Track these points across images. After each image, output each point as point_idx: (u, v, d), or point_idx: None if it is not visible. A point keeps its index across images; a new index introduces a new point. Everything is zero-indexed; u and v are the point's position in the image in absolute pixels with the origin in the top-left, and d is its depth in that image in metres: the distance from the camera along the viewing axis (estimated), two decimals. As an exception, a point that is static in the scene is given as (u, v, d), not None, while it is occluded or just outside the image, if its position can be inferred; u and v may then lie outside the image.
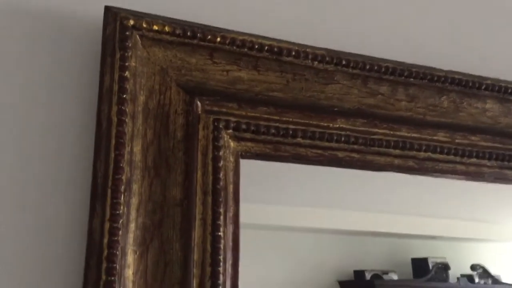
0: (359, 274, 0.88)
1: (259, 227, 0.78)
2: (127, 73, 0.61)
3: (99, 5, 0.65)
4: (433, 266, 0.91)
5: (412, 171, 0.77)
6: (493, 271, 0.93)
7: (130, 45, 0.62)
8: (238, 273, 0.61)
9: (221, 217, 0.61)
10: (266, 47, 0.69)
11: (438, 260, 0.91)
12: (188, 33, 0.65)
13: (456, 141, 0.80)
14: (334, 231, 0.86)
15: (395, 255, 0.90)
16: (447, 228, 0.93)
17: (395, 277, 0.91)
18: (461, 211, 0.94)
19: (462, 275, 0.94)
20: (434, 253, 0.91)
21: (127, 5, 0.65)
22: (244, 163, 0.67)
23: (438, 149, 0.78)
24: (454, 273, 0.93)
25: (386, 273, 0.89)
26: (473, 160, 0.81)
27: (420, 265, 0.91)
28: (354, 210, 0.87)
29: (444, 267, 0.92)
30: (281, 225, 0.82)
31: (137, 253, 0.57)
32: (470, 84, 0.82)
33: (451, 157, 0.79)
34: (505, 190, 0.89)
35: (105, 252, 0.55)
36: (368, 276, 0.89)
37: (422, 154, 0.77)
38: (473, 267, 0.93)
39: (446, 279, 0.95)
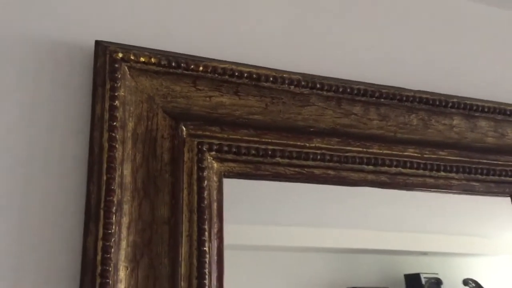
0: None
1: (251, 248, 0.81)
2: (117, 102, 0.66)
3: (90, 38, 0.70)
4: (425, 282, 0.90)
5: (385, 186, 0.82)
6: (485, 285, 0.93)
7: (119, 76, 0.67)
8: (223, 285, 0.66)
9: (206, 233, 0.66)
10: (246, 74, 0.75)
11: (431, 276, 0.91)
12: (173, 63, 0.71)
13: (425, 156, 0.86)
14: (326, 249, 0.88)
15: (388, 272, 0.90)
16: (439, 244, 0.95)
17: None
18: (452, 226, 0.96)
19: None
20: (426, 269, 0.91)
21: (115, 38, 0.70)
22: (236, 184, 0.71)
23: (408, 164, 0.84)
24: None
25: None
26: (442, 173, 0.86)
27: (412, 281, 0.91)
28: (345, 227, 0.89)
29: (436, 283, 0.92)
30: (274, 245, 0.84)
31: (129, 268, 0.62)
32: (438, 103, 0.88)
33: (421, 172, 0.85)
34: (495, 204, 0.93)
35: (99, 269, 0.59)
36: None
37: (393, 170, 0.83)
38: (465, 282, 0.93)
39: (439, 294, 0.97)
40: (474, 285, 0.93)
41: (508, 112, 0.93)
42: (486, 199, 0.92)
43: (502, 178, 0.91)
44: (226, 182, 0.72)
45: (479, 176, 0.89)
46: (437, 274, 0.92)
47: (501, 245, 0.96)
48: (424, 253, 0.94)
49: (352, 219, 0.90)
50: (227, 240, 0.69)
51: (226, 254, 0.68)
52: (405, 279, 0.91)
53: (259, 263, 0.82)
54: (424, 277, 0.91)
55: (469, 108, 0.90)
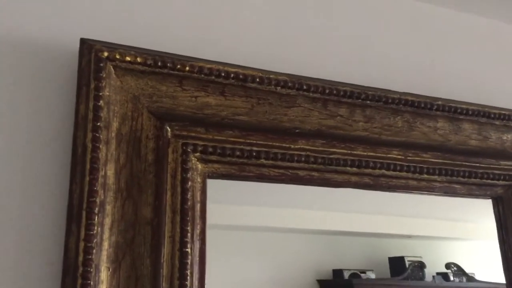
0: (337, 273, 0.90)
1: (238, 228, 0.81)
2: (101, 102, 0.66)
3: (75, 36, 0.70)
4: (409, 265, 0.93)
5: (368, 187, 0.83)
6: (467, 269, 0.97)
7: (104, 75, 0.67)
8: (204, 286, 0.67)
9: (189, 235, 0.67)
10: (232, 74, 0.75)
11: (414, 259, 0.94)
12: (159, 63, 0.70)
13: (409, 158, 0.86)
14: (313, 231, 0.89)
15: (373, 255, 0.92)
16: (423, 228, 0.96)
17: (372, 276, 0.95)
18: (436, 210, 0.96)
19: (438, 273, 0.97)
20: (410, 252, 0.94)
21: (101, 36, 0.70)
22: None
23: (392, 166, 0.85)
24: (429, 272, 0.96)
25: (364, 272, 0.92)
26: (424, 176, 0.87)
27: (397, 264, 0.94)
28: (332, 210, 0.90)
29: (420, 266, 0.94)
30: (261, 226, 0.85)
31: (110, 269, 0.62)
32: (423, 105, 0.89)
33: (404, 174, 0.86)
34: (488, 199, 0.93)
35: (80, 270, 0.59)
36: (346, 275, 0.92)
37: (377, 172, 0.83)
38: (448, 266, 0.96)
39: (422, 277, 0.97)
40: (456, 268, 0.95)
41: (492, 115, 0.94)
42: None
43: (484, 180, 0.92)
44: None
45: (461, 179, 0.90)
46: (420, 257, 0.94)
47: (483, 230, 0.97)
48: (408, 237, 0.97)
49: (338, 202, 0.91)
50: (212, 219, 0.69)
51: (211, 234, 0.68)
52: (389, 262, 0.93)
53: (245, 243, 0.83)
54: (408, 260, 0.93)
55: (453, 111, 0.91)
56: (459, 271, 0.97)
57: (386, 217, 0.95)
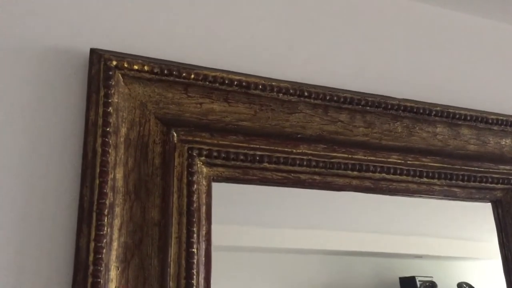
0: None
1: (247, 249, 0.82)
2: (110, 109, 0.68)
3: (85, 46, 0.73)
4: (420, 285, 0.92)
5: (368, 191, 0.85)
6: None
7: (113, 83, 0.70)
8: (210, 285, 0.69)
9: (195, 235, 0.69)
10: (236, 82, 0.77)
11: (425, 279, 0.93)
12: (165, 71, 0.73)
13: (409, 162, 0.89)
14: (322, 251, 0.89)
15: (383, 275, 0.92)
16: (434, 247, 0.96)
17: None
18: (447, 229, 0.98)
19: None
20: (421, 272, 0.93)
21: (109, 46, 0.73)
22: (230, 185, 0.74)
23: (392, 170, 0.87)
24: None
25: None
26: (424, 179, 0.89)
27: (408, 284, 0.92)
28: (341, 230, 0.90)
29: (431, 286, 0.93)
30: (268, 247, 0.85)
31: (119, 269, 0.64)
32: (422, 111, 0.91)
33: (404, 177, 0.88)
34: (490, 209, 0.95)
35: (91, 269, 0.62)
36: None
37: (377, 175, 0.85)
38: (460, 286, 0.95)
39: (433, 297, 0.98)
40: None
41: (490, 121, 0.97)
42: (481, 204, 0.94)
43: (483, 184, 0.94)
44: (219, 185, 0.74)
45: (460, 183, 0.92)
46: (432, 277, 0.93)
47: (495, 249, 0.97)
48: (419, 257, 0.96)
49: (348, 222, 0.92)
50: (221, 241, 0.71)
51: (220, 256, 0.70)
52: (400, 282, 0.92)
53: (254, 265, 0.83)
54: (419, 280, 0.92)
55: (452, 117, 0.93)
56: None
57: (396, 236, 0.94)
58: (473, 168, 0.94)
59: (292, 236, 0.88)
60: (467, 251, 1.00)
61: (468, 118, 0.95)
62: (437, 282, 0.94)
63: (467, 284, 0.96)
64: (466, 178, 0.92)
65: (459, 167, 0.93)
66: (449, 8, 1.07)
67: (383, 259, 0.94)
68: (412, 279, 0.93)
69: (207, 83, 0.76)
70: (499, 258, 0.95)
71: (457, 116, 0.94)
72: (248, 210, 0.83)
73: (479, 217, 0.99)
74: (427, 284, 0.94)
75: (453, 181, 0.92)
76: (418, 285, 0.93)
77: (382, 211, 0.92)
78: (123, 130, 0.70)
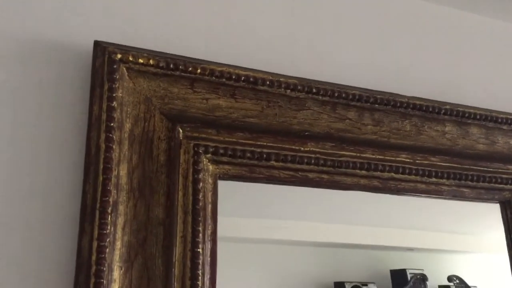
0: (339, 285, 0.89)
1: (240, 240, 0.81)
2: (114, 103, 0.66)
3: (89, 38, 0.71)
4: (411, 278, 0.92)
5: (377, 190, 0.84)
6: (469, 282, 0.96)
7: (117, 77, 0.68)
8: (215, 286, 0.67)
9: (200, 235, 0.67)
10: (243, 77, 0.75)
11: (416, 271, 0.93)
12: (171, 65, 0.71)
13: (417, 161, 0.87)
14: (314, 243, 0.89)
15: (375, 267, 0.92)
16: (425, 240, 0.96)
17: None
18: (438, 223, 0.97)
19: (440, 286, 0.96)
20: (412, 265, 0.93)
21: (114, 39, 0.71)
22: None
23: (401, 170, 0.85)
24: (431, 284, 0.94)
25: (366, 284, 0.91)
26: (433, 179, 0.88)
27: (398, 277, 0.93)
28: (334, 223, 0.90)
29: (422, 278, 0.94)
30: (262, 238, 0.85)
31: (123, 269, 0.62)
32: (431, 109, 0.89)
33: (413, 177, 0.86)
34: (481, 203, 0.94)
35: (93, 269, 0.60)
36: (348, 287, 0.92)
37: (385, 175, 0.84)
38: (450, 279, 0.95)
39: (424, 290, 0.98)
40: (458, 281, 0.95)
41: (499, 120, 0.95)
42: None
43: (492, 184, 0.93)
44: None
45: (469, 183, 0.91)
46: (422, 270, 0.93)
47: (485, 243, 0.98)
48: (410, 249, 0.96)
49: (340, 214, 0.91)
50: None
51: None
52: (391, 275, 0.92)
53: (246, 255, 0.83)
54: (410, 273, 0.93)
55: (461, 115, 0.92)
56: (462, 284, 0.96)
57: (388, 229, 0.95)
58: (482, 168, 0.92)
59: (284, 227, 0.87)
60: (458, 245, 1.00)
61: (478, 117, 0.93)
62: (427, 275, 0.95)
63: (457, 277, 0.96)
64: (475, 178, 0.91)
65: (468, 166, 0.91)
66: (459, 8, 1.05)
67: (374, 251, 0.94)
68: (403, 271, 0.93)
69: (214, 78, 0.74)
70: (489, 252, 0.97)
71: (466, 115, 0.92)
72: (240, 201, 0.82)
73: (471, 211, 0.98)
74: (418, 276, 0.94)
75: (462, 181, 0.90)
76: (409, 278, 0.93)
77: (374, 204, 0.91)
78: (128, 126, 0.68)
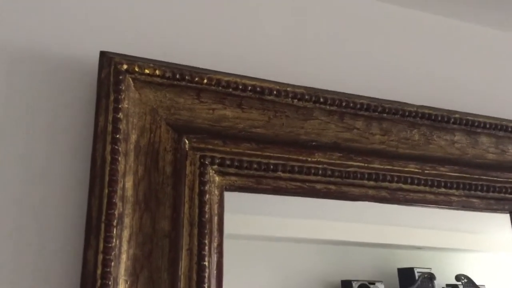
0: (346, 284, 0.89)
1: (248, 237, 0.81)
2: (120, 114, 0.66)
3: (94, 49, 0.70)
4: (419, 276, 0.92)
5: (385, 201, 0.83)
6: (477, 281, 0.95)
7: (123, 87, 0.67)
8: (221, 299, 0.66)
9: (206, 248, 0.66)
10: (250, 87, 0.75)
11: (424, 270, 0.92)
12: (177, 76, 0.70)
13: (426, 172, 0.86)
14: (321, 241, 0.88)
15: (382, 265, 0.91)
16: (433, 239, 0.96)
17: (381, 287, 0.94)
18: (446, 222, 0.96)
19: (448, 285, 0.96)
20: (420, 263, 0.92)
21: (120, 49, 0.70)
22: None
23: (409, 180, 0.84)
24: (439, 283, 0.94)
25: (373, 283, 0.91)
26: (442, 189, 0.86)
27: (406, 275, 0.92)
28: (342, 221, 0.89)
29: (429, 277, 0.93)
30: (269, 236, 0.84)
31: (128, 282, 0.62)
32: (440, 118, 0.88)
33: (421, 187, 0.85)
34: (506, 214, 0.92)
35: (98, 283, 0.59)
36: (355, 286, 0.91)
37: (394, 185, 0.83)
38: (458, 277, 0.95)
39: (431, 289, 0.98)
40: (466, 280, 0.94)
41: (510, 129, 0.94)
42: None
43: (502, 195, 0.91)
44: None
45: (479, 193, 0.89)
46: (430, 268, 0.93)
47: (494, 242, 0.97)
48: (418, 248, 0.95)
49: (348, 212, 0.90)
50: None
51: None
52: (398, 273, 0.92)
53: (253, 253, 0.82)
54: (418, 272, 0.92)
55: (470, 124, 0.91)
56: (469, 283, 0.96)
57: (396, 227, 0.94)
58: (492, 178, 0.91)
59: (292, 225, 0.86)
60: (466, 243, 0.99)
61: (487, 126, 0.92)
62: (435, 274, 0.94)
63: (465, 276, 0.96)
64: (485, 188, 0.90)
65: (477, 176, 0.90)
66: (467, 21, 1.05)
67: (382, 249, 0.93)
68: (410, 270, 0.92)
69: (220, 88, 0.73)
70: (498, 251, 0.96)
71: (476, 124, 0.91)
72: (247, 199, 0.80)
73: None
74: (426, 275, 0.94)
75: (472, 192, 0.89)
76: (417, 277, 0.93)
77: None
78: (133, 137, 0.67)
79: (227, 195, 0.71)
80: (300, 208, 0.86)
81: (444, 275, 0.95)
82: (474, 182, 0.89)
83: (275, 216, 0.85)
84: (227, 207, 0.70)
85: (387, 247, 0.93)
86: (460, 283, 0.95)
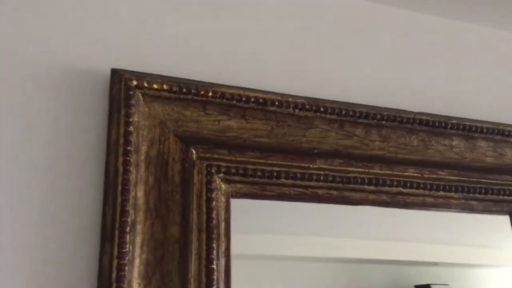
0: None
1: (256, 257, 0.82)
2: (131, 128, 0.70)
3: (106, 66, 0.75)
4: None
5: (385, 205, 0.86)
6: None
7: (133, 102, 0.71)
8: (230, 301, 0.69)
9: (214, 252, 0.70)
10: (253, 99, 0.79)
11: (441, 287, 0.92)
12: (184, 90, 0.75)
13: (425, 176, 0.89)
14: (336, 259, 0.90)
15: (398, 283, 0.91)
16: (449, 254, 0.96)
17: None
18: (462, 237, 0.97)
19: None
20: (436, 280, 0.92)
21: (129, 65, 0.75)
22: None
23: (409, 184, 0.87)
24: None
25: None
26: (441, 193, 0.89)
27: None
28: (355, 238, 0.90)
29: None
30: (281, 255, 0.85)
31: (141, 285, 0.65)
32: (437, 124, 0.91)
33: (421, 191, 0.88)
34: (506, 216, 0.95)
35: (114, 286, 0.63)
36: None
37: (394, 189, 0.86)
38: None
39: (449, 305, 0.98)
40: None
41: (507, 133, 0.96)
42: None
43: (501, 197, 0.94)
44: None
45: (478, 195, 0.92)
46: (447, 285, 0.92)
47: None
48: (435, 264, 0.95)
49: (363, 230, 0.91)
50: (232, 249, 0.72)
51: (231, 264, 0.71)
52: None
53: (262, 272, 0.83)
54: None
55: (468, 129, 0.93)
56: None
57: (411, 244, 0.94)
58: (490, 181, 0.93)
59: (306, 243, 0.87)
60: (483, 259, 1.00)
61: (484, 130, 0.95)
62: None
63: None
64: (483, 191, 0.92)
65: (476, 180, 0.93)
66: (464, 21, 1.07)
67: (398, 266, 0.94)
68: (427, 286, 0.92)
69: (225, 100, 0.77)
70: None
71: (473, 128, 0.94)
72: (261, 217, 0.83)
73: (496, 224, 0.98)
74: None
75: (471, 194, 0.91)
76: None
77: (397, 219, 0.91)
78: (144, 149, 0.71)
79: (236, 215, 0.74)
80: (314, 226, 0.87)
81: (462, 291, 0.93)
82: (472, 185, 0.92)
83: (286, 235, 0.85)
84: (238, 226, 0.73)
85: (403, 264, 0.94)
86: (478, 298, 0.95)
